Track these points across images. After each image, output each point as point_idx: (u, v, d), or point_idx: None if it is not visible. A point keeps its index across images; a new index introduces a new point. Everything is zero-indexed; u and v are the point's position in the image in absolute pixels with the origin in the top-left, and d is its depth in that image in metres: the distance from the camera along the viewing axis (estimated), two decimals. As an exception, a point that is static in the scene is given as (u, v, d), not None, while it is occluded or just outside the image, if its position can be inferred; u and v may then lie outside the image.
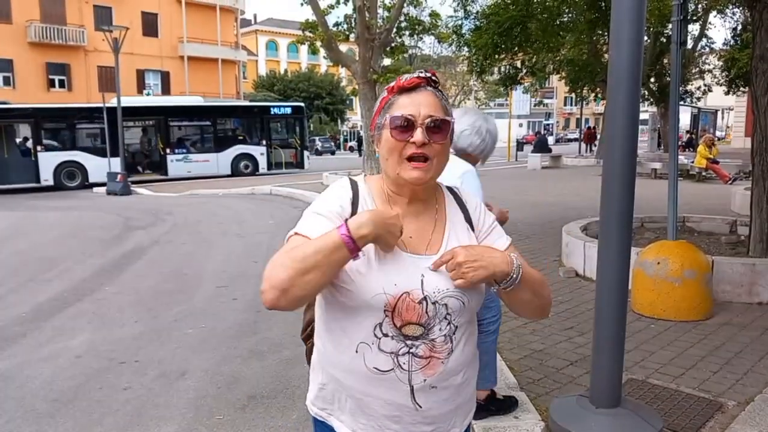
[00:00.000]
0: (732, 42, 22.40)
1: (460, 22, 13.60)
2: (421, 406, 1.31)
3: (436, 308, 1.29)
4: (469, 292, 1.31)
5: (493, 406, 3.31)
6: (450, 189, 1.47)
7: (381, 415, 1.32)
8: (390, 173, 1.34)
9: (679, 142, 17.28)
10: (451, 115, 1.35)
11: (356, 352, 1.30)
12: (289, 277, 1.15)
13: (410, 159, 1.30)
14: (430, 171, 1.32)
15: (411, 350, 1.28)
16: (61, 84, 33.28)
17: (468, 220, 1.42)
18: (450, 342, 1.31)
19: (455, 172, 2.59)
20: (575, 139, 46.18)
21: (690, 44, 22.74)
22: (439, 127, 1.31)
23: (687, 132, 32.90)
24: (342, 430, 1.37)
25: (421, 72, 1.35)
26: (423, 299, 1.28)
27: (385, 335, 1.28)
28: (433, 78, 1.36)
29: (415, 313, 1.27)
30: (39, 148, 19.75)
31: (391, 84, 1.37)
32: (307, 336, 1.61)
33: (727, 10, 20.30)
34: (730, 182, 14.72)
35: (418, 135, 1.28)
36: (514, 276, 1.28)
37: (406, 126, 1.29)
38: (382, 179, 1.40)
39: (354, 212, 1.32)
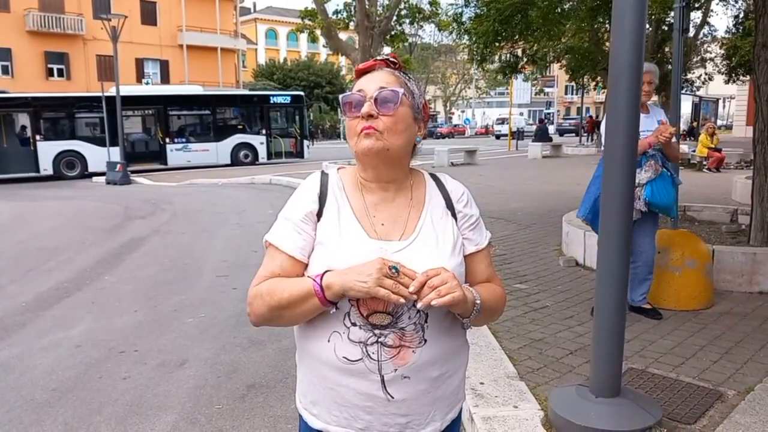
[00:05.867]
0: (734, 30, 22.26)
1: (460, 9, 13.49)
2: (393, 397, 1.28)
3: None
4: None
5: (637, 312, 4.22)
6: (434, 176, 1.45)
7: (354, 405, 1.30)
8: (353, 153, 1.34)
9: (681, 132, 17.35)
10: (410, 90, 1.34)
11: (328, 341, 1.29)
12: (268, 313, 1.32)
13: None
14: (381, 140, 1.28)
15: (379, 339, 1.26)
16: (60, 73, 33.17)
17: (450, 207, 1.40)
18: (421, 331, 1.28)
19: None
20: (569, 131, 44.45)
21: (692, 32, 22.59)
22: (387, 98, 1.28)
23: (686, 120, 32.76)
24: (315, 424, 1.36)
25: (380, 56, 1.37)
26: None
27: (354, 324, 1.27)
28: (392, 59, 1.36)
29: (381, 302, 1.24)
30: (38, 137, 19.73)
31: None
32: None
33: (730, -3, 20.16)
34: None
35: (365, 107, 1.28)
36: (475, 311, 1.30)
37: (357, 102, 1.31)
38: (356, 168, 1.40)
39: (322, 208, 1.33)
